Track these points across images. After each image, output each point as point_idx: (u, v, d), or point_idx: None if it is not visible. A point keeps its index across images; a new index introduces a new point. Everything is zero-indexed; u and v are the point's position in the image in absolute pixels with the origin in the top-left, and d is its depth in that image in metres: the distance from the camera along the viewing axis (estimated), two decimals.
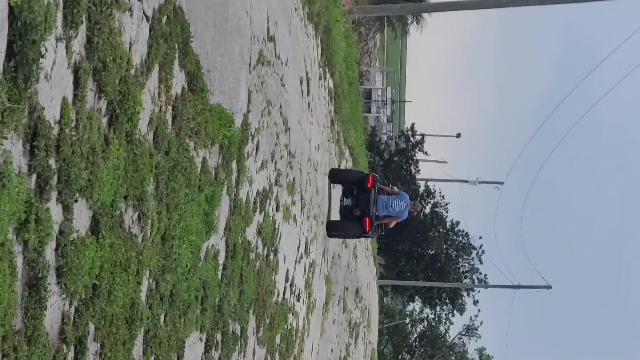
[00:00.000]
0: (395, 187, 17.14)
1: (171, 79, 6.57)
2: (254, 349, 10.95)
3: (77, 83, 4.90)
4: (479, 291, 65.25)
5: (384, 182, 16.24)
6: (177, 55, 6.71)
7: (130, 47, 5.66)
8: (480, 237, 64.42)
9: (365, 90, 62.99)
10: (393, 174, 57.32)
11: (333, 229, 17.42)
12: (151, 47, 6.08)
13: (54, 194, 4.68)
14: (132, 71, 5.71)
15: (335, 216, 17.90)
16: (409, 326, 71.34)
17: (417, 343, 69.60)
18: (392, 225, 16.90)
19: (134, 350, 6.05)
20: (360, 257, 30.61)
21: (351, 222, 16.47)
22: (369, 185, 15.93)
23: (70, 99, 4.84)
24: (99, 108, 5.26)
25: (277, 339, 12.65)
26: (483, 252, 63.85)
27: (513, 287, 56.98)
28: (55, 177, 4.68)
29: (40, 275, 4.51)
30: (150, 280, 6.37)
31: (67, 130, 4.78)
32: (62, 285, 4.81)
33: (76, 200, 4.93)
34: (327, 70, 18.56)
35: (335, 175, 17.73)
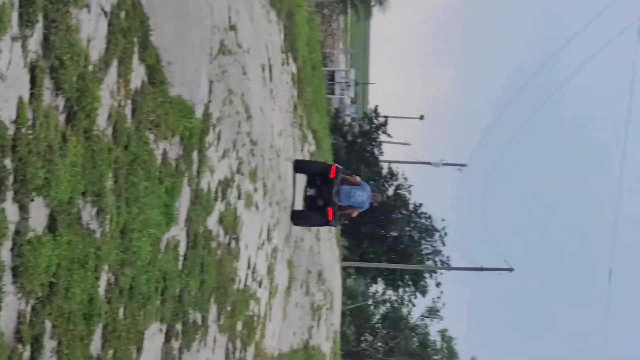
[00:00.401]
0: (357, 177, 17.26)
1: (130, 73, 6.55)
2: (215, 336, 10.97)
3: (33, 82, 4.88)
4: (441, 273, 65.47)
5: (347, 172, 16.27)
6: (136, 49, 6.69)
7: (88, 44, 5.64)
8: (443, 220, 64.62)
9: (328, 72, 62.98)
10: (356, 156, 57.38)
11: (297, 219, 17.71)
12: (110, 43, 6.06)
13: (9, 194, 4.67)
14: (90, 67, 5.69)
15: (300, 206, 18.16)
16: (372, 308, 71.57)
17: (379, 324, 69.88)
18: (354, 215, 17.16)
19: (92, 345, 6.04)
20: (324, 239, 30.66)
21: (315, 211, 16.86)
22: (332, 176, 16.27)
23: (26, 98, 4.82)
24: (57, 106, 5.25)
25: (239, 325, 12.66)
26: (446, 234, 64.05)
27: (475, 269, 57.26)
28: (11, 177, 4.67)
29: None
30: (109, 275, 6.37)
31: (23, 130, 4.76)
32: (18, 285, 4.80)
33: (32, 199, 4.92)
34: (289, 55, 18.54)
35: (299, 166, 17.93)
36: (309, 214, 17.24)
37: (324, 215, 16.39)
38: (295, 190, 18.10)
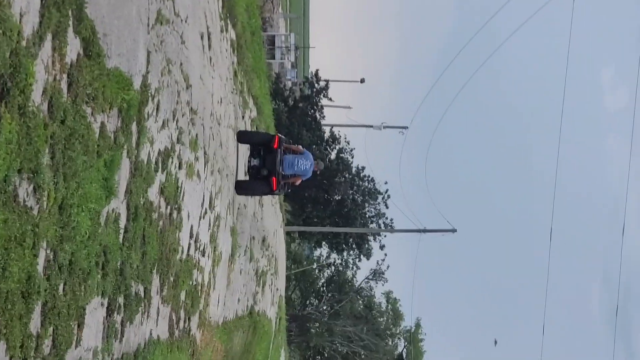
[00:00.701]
0: (300, 146, 17.56)
1: (65, 46, 6.45)
2: (158, 308, 10.93)
3: None
4: (385, 236, 65.96)
5: (289, 141, 16.58)
6: (71, 22, 6.58)
7: (20, 19, 5.54)
8: (386, 182, 64.99)
9: (268, 37, 62.73)
10: (298, 121, 57.36)
11: (241, 189, 18.01)
12: (43, 17, 5.95)
13: None
14: (24, 43, 5.59)
15: (243, 176, 18.47)
16: (317, 272, 71.90)
17: (324, 288, 70.23)
18: (297, 183, 17.43)
19: (31, 323, 5.99)
20: (267, 205, 30.67)
21: (259, 181, 17.11)
22: (275, 146, 16.59)
23: None
24: None
25: (182, 295, 12.64)
26: (389, 196, 64.47)
27: (419, 231, 57.62)
28: None
29: None
30: (48, 252, 6.30)
31: None
32: None
33: None
34: (228, 22, 18.41)
35: (242, 137, 18.20)
36: (253, 184, 17.48)
37: (268, 184, 16.72)
38: (238, 161, 18.30)
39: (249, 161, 17.27)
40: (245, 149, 18.41)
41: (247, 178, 17.96)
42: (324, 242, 66.76)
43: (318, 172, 19.02)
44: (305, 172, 17.20)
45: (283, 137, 17.24)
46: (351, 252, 66.86)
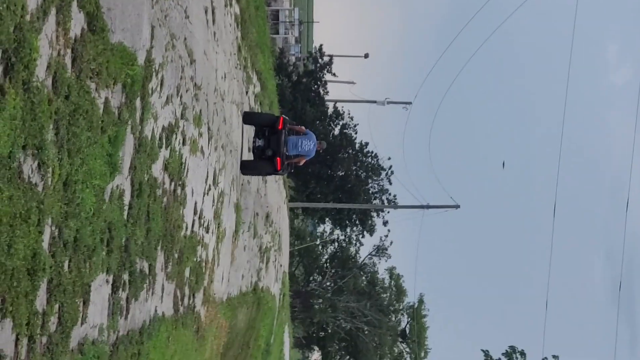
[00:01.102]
0: (303, 127, 17.90)
1: (69, 21, 6.39)
2: (163, 284, 10.91)
3: None
4: (388, 212, 65.89)
5: (293, 122, 16.86)
6: None
7: None
8: (390, 158, 64.82)
9: (272, 12, 62.53)
10: (301, 96, 57.22)
11: (246, 168, 18.39)
12: None
13: None
14: (28, 17, 5.53)
15: (248, 156, 18.71)
16: (320, 248, 71.90)
17: (328, 264, 70.25)
18: (301, 163, 17.86)
19: (37, 301, 5.96)
20: (270, 181, 30.63)
21: (263, 161, 17.40)
22: (280, 127, 16.94)
23: None
24: None
25: (187, 272, 12.62)
26: (392, 172, 64.32)
27: (422, 207, 57.62)
28: None
29: None
30: (53, 228, 6.26)
31: None
32: None
33: None
34: None
35: (247, 118, 18.46)
36: (258, 164, 17.77)
37: (273, 164, 17.06)
38: (243, 141, 18.61)
39: (254, 141, 17.48)
40: (250, 129, 18.62)
41: (252, 158, 18.20)
42: (327, 218, 66.70)
43: (321, 152, 19.43)
44: (308, 153, 17.52)
45: (287, 118, 17.56)
46: (354, 228, 66.82)
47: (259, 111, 23.24)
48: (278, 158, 16.97)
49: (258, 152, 17.44)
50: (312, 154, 17.71)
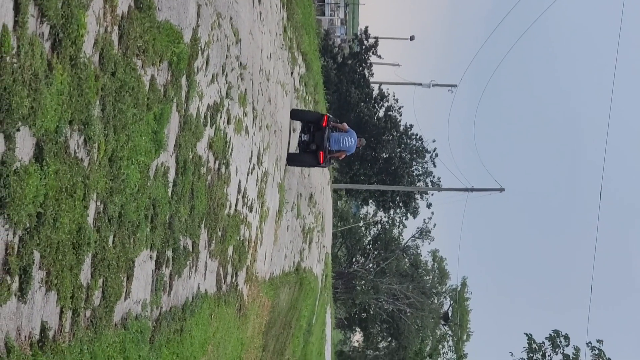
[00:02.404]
0: (346, 125, 19.06)
1: None
2: (206, 262, 10.99)
3: (17, 9, 4.78)
4: (432, 194, 65.81)
5: (336, 120, 18.49)
6: None
7: None
8: (434, 141, 64.69)
9: None
10: (346, 78, 57.13)
11: (292, 160, 19.79)
12: None
13: None
14: None
15: (294, 149, 20.14)
16: (363, 229, 71.92)
17: (370, 246, 70.25)
18: (342, 157, 19.26)
19: (82, 275, 6.03)
20: None
21: (308, 154, 18.86)
22: (324, 124, 18.34)
23: (10, 26, 4.73)
24: (42, 33, 5.15)
25: (230, 250, 12.69)
26: (436, 155, 64.15)
27: (466, 190, 57.35)
28: None
29: None
30: (98, 204, 6.32)
31: (7, 58, 4.68)
32: (5, 216, 4.76)
33: (18, 129, 4.84)
34: None
35: (295, 115, 19.96)
36: (303, 157, 19.16)
37: (316, 158, 18.42)
38: (290, 136, 20.01)
39: (300, 136, 18.87)
40: (298, 125, 20.00)
41: (298, 151, 19.55)
42: (370, 200, 66.71)
43: (360, 148, 20.29)
44: (349, 149, 18.84)
45: (331, 116, 18.81)
46: (398, 210, 66.75)
47: (306, 109, 24.65)
48: (321, 152, 18.32)
49: (303, 146, 18.79)
50: (352, 150, 19.04)
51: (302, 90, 24.90)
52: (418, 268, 71.67)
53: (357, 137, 19.22)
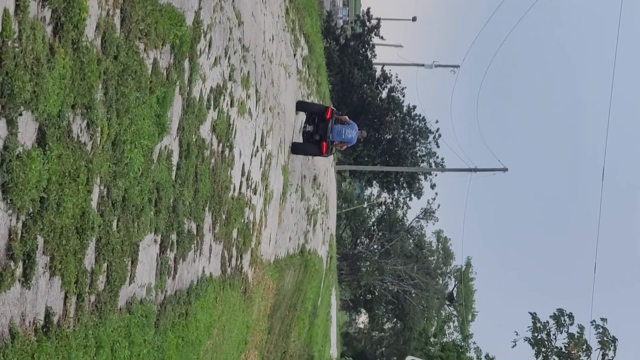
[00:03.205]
0: (347, 117, 20.02)
1: None
2: (211, 245, 10.97)
3: None
4: (436, 175, 65.77)
5: (339, 113, 19.39)
6: None
7: None
8: (437, 121, 65.04)
9: None
10: (349, 59, 57.04)
11: (297, 149, 20.62)
12: None
13: None
14: None
15: (299, 138, 20.93)
16: (367, 210, 71.96)
17: (375, 227, 70.30)
18: (343, 148, 20.37)
19: (86, 259, 6.01)
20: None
21: (312, 144, 19.75)
22: (328, 116, 19.20)
23: (12, 10, 4.69)
24: (43, 17, 5.11)
25: (234, 233, 12.68)
26: (440, 135, 64.17)
27: (470, 170, 57.36)
28: None
29: None
30: (102, 188, 6.30)
31: (9, 43, 4.64)
32: (8, 202, 4.73)
33: (20, 114, 4.82)
34: None
35: (300, 106, 20.85)
36: (307, 146, 20.06)
37: (319, 148, 19.37)
38: (294, 126, 20.90)
39: (304, 127, 19.76)
40: (302, 116, 20.81)
41: (302, 141, 20.53)
42: (374, 181, 66.70)
43: (362, 140, 23.65)
44: (350, 140, 19.91)
45: (335, 109, 19.75)
46: (402, 191, 66.79)
47: (312, 101, 25.86)
48: (324, 143, 19.24)
49: (307, 136, 19.66)
50: (354, 141, 20.12)
51: (305, 72, 24.86)
52: (422, 249, 71.72)
53: (358, 129, 20.19)
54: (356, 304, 74.68)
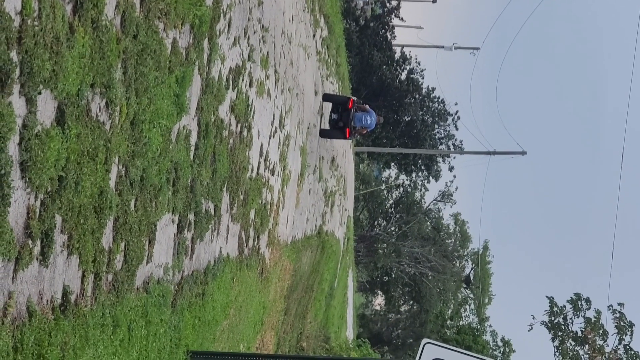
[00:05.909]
0: (367, 106, 22.22)
1: None
2: (228, 225, 10.97)
3: None
4: (454, 157, 65.55)
5: (360, 102, 22.35)
6: None
7: None
8: (456, 104, 64.79)
9: None
10: (369, 40, 56.87)
11: (324, 134, 23.49)
12: None
13: (16, 88, 4.57)
14: None
15: (326, 125, 23.25)
16: (385, 192, 71.84)
17: (392, 209, 70.18)
18: (364, 133, 22.61)
19: (104, 238, 6.01)
20: None
21: (337, 130, 22.04)
22: (350, 106, 21.38)
23: None
24: None
25: (252, 214, 12.67)
26: (459, 118, 63.95)
27: (488, 153, 57.13)
28: (18, 70, 4.56)
29: (2, 172, 4.42)
30: (120, 167, 6.30)
31: (29, 21, 4.64)
32: (27, 180, 4.74)
33: (40, 93, 4.82)
34: None
35: (326, 98, 23.53)
36: (333, 132, 22.50)
37: (343, 133, 21.85)
38: (322, 115, 23.87)
39: (330, 115, 21.88)
40: (328, 106, 22.47)
41: (328, 127, 22.70)
42: (392, 163, 66.59)
43: (379, 124, 30.02)
44: (369, 126, 22.11)
45: (356, 99, 22.11)
46: (420, 173, 66.66)
47: (336, 93, 29.98)
48: (347, 129, 21.42)
49: (332, 123, 21.78)
50: (372, 126, 22.45)
51: (324, 53, 24.84)
52: (440, 231, 71.53)
53: (376, 115, 22.39)
54: (373, 286, 74.66)
